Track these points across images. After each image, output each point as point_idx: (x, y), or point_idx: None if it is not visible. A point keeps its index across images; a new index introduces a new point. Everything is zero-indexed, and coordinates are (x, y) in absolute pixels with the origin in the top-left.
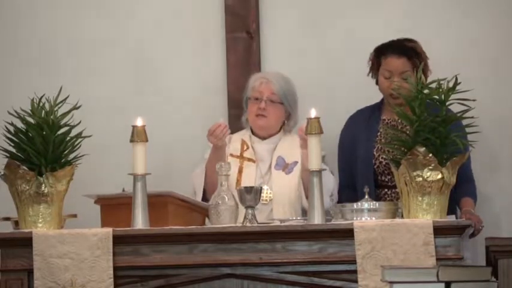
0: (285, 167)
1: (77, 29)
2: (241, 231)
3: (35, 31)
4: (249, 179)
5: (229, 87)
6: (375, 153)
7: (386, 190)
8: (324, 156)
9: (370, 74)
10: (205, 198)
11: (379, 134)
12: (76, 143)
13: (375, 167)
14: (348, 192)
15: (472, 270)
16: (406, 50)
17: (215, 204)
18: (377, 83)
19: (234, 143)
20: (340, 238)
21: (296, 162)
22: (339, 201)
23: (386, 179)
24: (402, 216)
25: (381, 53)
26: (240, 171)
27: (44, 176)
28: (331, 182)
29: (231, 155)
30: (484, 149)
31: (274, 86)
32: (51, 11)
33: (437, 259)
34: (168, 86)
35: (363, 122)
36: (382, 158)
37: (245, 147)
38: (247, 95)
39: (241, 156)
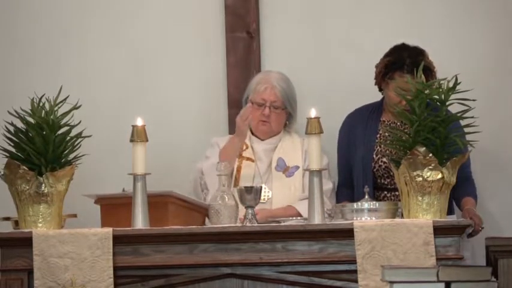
0: (285, 169)
1: (77, 29)
2: (241, 231)
3: (35, 31)
4: (247, 178)
5: (229, 87)
6: (374, 156)
7: (385, 193)
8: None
9: (374, 81)
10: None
11: (378, 135)
12: (76, 143)
13: (374, 170)
14: (346, 191)
15: (472, 270)
16: (423, 69)
17: (215, 204)
18: (380, 90)
19: None
20: (340, 238)
21: (297, 167)
22: (337, 200)
23: (386, 182)
24: (402, 216)
25: (396, 68)
26: (239, 170)
27: (44, 176)
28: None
29: None
30: (484, 149)
31: (278, 91)
32: (51, 11)
33: (437, 259)
34: (168, 86)
35: (361, 122)
36: (381, 161)
37: (244, 147)
38: (249, 96)
39: (240, 156)
